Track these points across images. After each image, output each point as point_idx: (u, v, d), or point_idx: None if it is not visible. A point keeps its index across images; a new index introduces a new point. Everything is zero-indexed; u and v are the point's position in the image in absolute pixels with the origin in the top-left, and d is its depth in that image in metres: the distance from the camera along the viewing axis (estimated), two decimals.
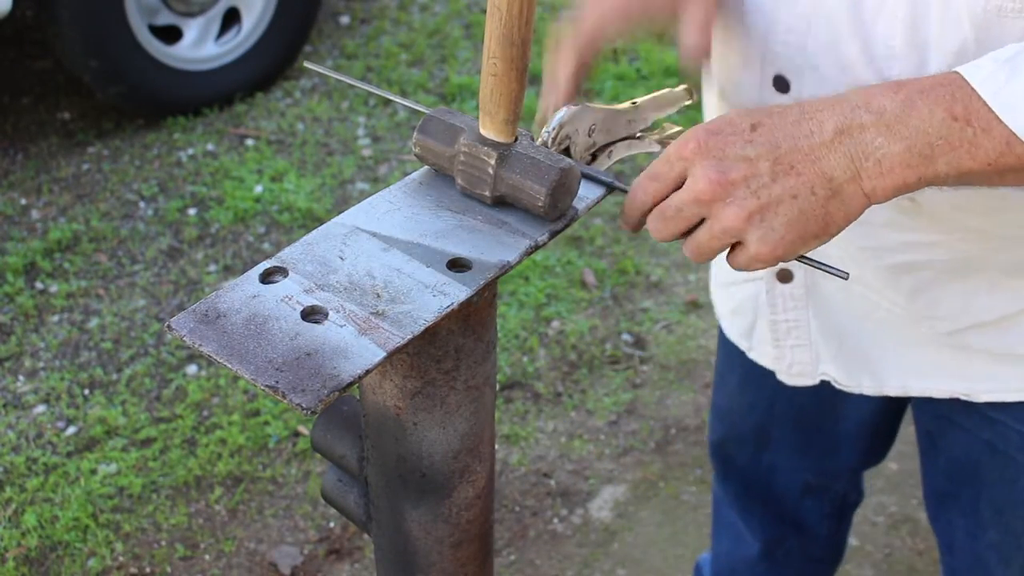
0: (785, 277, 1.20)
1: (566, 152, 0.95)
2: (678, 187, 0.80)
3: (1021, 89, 0.73)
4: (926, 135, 0.74)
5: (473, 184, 0.88)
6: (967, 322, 1.10)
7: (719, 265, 1.36)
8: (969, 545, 1.32)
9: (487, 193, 0.87)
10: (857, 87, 0.79)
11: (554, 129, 0.93)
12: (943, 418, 1.25)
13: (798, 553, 1.60)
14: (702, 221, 0.80)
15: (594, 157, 0.99)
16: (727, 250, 0.81)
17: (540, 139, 0.94)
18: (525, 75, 0.84)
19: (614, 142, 1.00)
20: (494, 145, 0.86)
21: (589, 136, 0.96)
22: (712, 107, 1.18)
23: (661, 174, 0.81)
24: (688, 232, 0.82)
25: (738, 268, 0.81)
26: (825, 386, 1.28)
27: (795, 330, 1.24)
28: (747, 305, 1.29)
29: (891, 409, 1.36)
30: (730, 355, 1.41)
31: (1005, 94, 0.74)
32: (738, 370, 1.41)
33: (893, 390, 1.23)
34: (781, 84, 0.99)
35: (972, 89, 0.74)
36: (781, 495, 1.53)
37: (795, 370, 1.28)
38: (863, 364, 1.23)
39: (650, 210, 0.83)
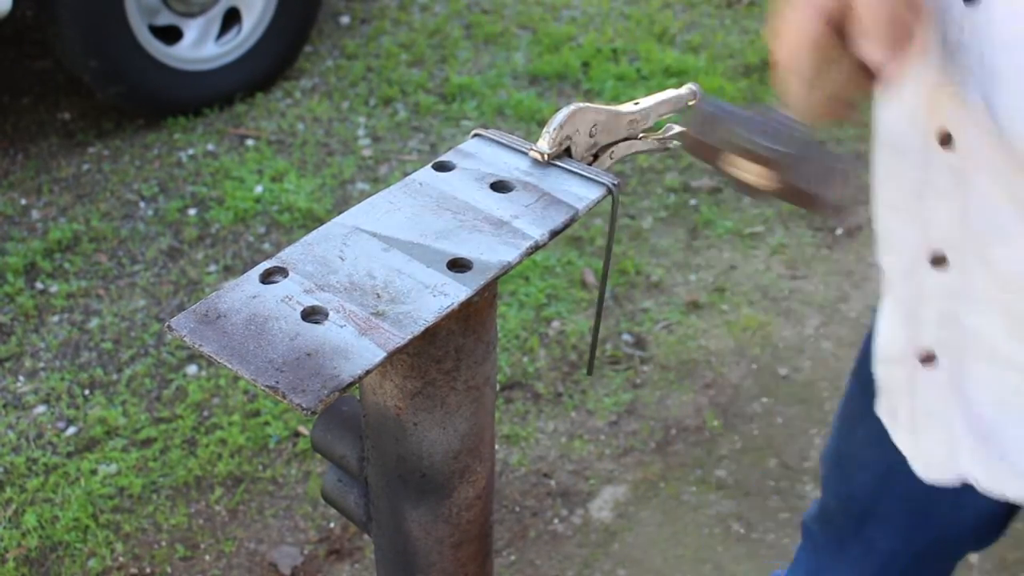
0: (928, 359, 1.09)
1: (567, 152, 0.95)
2: None
3: None
4: None
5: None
6: None
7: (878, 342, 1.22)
8: None
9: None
10: None
11: (555, 129, 0.93)
12: None
13: None
14: None
15: (595, 157, 0.99)
16: None
17: (541, 139, 0.94)
18: None
19: (615, 142, 1.00)
20: None
21: (591, 136, 0.96)
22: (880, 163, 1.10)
23: None
24: None
25: None
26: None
27: (934, 421, 1.12)
28: (894, 386, 1.17)
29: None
30: (867, 407, 1.26)
31: None
32: (872, 425, 1.26)
33: None
34: (945, 139, 0.95)
35: None
36: (875, 571, 1.38)
37: (932, 467, 1.16)
38: (1011, 466, 1.09)
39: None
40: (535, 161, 0.94)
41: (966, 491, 1.15)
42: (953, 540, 1.29)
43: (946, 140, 0.93)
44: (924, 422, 1.13)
